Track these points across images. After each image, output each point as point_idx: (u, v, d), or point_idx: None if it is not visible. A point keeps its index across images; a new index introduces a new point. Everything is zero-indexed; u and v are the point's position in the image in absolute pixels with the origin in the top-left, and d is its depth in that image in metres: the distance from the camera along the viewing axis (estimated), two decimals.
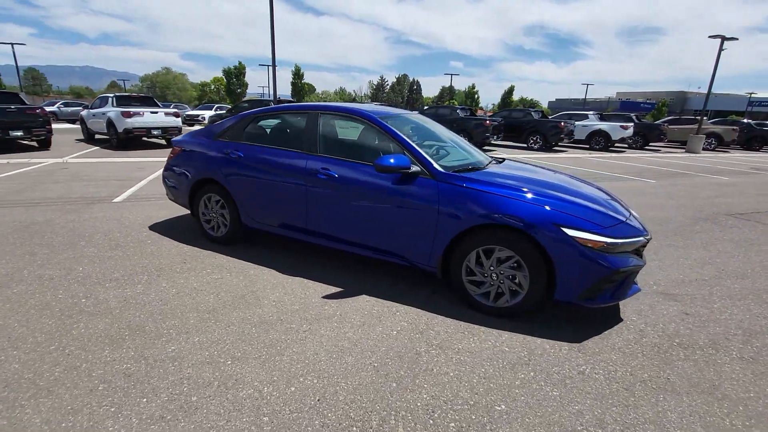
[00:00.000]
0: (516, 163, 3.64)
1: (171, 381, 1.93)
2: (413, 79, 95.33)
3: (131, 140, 11.18)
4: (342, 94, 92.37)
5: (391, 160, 2.67)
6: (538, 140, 15.35)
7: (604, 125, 16.66)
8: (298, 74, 47.55)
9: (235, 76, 45.84)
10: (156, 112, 11.17)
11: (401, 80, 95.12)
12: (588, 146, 16.93)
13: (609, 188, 6.24)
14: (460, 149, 3.55)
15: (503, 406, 1.84)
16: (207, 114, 22.12)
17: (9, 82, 43.95)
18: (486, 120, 14.31)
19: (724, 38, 16.49)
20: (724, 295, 3.15)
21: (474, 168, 3.00)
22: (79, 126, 14.22)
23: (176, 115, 11.75)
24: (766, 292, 3.22)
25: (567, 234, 2.33)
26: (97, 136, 12.63)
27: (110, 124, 10.79)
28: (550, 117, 17.55)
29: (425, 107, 22.62)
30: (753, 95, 46.04)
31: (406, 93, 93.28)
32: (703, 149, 17.90)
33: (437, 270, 2.77)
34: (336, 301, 2.79)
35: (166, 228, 4.26)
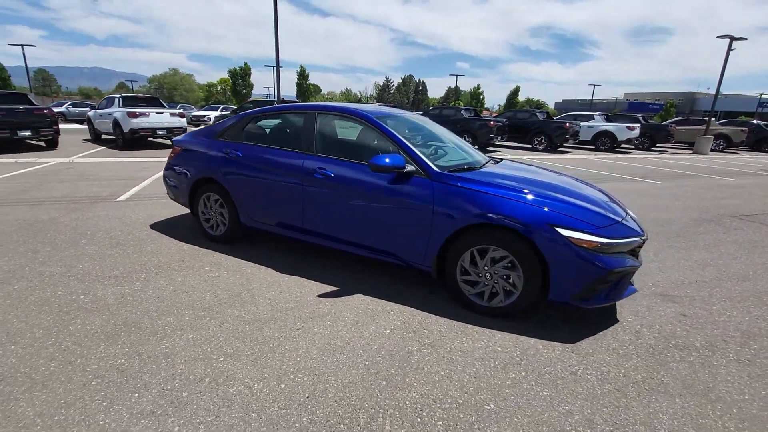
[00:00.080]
0: (514, 163, 3.62)
1: (163, 377, 1.95)
2: (419, 80, 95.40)
3: (137, 140, 11.30)
4: (348, 95, 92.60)
5: (386, 160, 2.68)
6: (543, 141, 15.26)
7: (609, 126, 16.53)
8: (303, 75, 47.78)
9: (241, 77, 46.19)
10: (161, 113, 11.29)
11: (407, 81, 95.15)
12: (594, 147, 16.80)
13: (612, 189, 6.16)
14: (458, 149, 3.55)
15: (492, 406, 1.84)
16: (213, 114, 22.28)
17: (19, 83, 44.66)
18: (490, 121, 14.26)
19: (732, 38, 16.29)
20: (724, 297, 3.11)
21: (470, 168, 3.00)
22: (86, 126, 14.39)
23: (181, 115, 11.87)
24: (767, 294, 3.18)
25: (561, 234, 2.32)
26: (103, 137, 12.78)
27: (116, 124, 10.92)
28: (555, 118, 17.45)
29: (430, 108, 22.61)
30: (763, 96, 45.41)
31: (411, 94, 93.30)
32: (711, 150, 17.68)
33: (432, 269, 2.77)
34: (331, 300, 2.80)
35: (166, 227, 4.31)
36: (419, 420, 1.74)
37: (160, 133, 11.23)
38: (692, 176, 9.92)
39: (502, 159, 3.68)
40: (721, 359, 2.29)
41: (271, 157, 3.36)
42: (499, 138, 14.64)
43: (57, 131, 10.24)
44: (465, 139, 14.94)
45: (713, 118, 18.34)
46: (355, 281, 3.11)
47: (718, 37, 16.30)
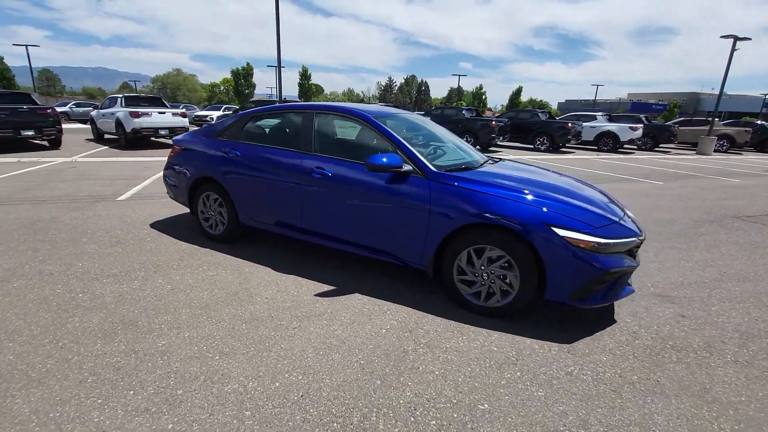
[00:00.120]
0: (512, 163, 3.62)
1: (158, 375, 1.96)
2: (421, 80, 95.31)
3: (139, 140, 11.35)
4: (350, 95, 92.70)
5: (383, 159, 2.68)
6: (545, 141, 15.22)
7: (612, 126, 16.47)
8: (305, 75, 47.87)
9: (243, 77, 46.33)
10: (163, 113, 11.34)
11: (409, 81, 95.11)
12: (596, 148, 16.74)
13: (613, 190, 6.14)
14: (456, 149, 3.54)
15: (486, 405, 1.84)
16: (215, 114, 22.35)
17: (24, 83, 44.96)
18: (492, 121, 14.24)
19: (736, 38, 16.19)
20: (724, 297, 3.09)
21: (468, 167, 3.00)
22: (89, 126, 14.46)
23: (183, 115, 11.92)
24: (767, 296, 3.16)
25: (558, 234, 2.31)
26: (106, 136, 12.85)
27: (119, 123, 10.98)
28: (557, 118, 17.40)
29: (432, 108, 22.60)
30: None
31: (414, 94, 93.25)
32: (715, 151, 17.57)
33: (429, 269, 2.77)
34: (328, 299, 2.80)
35: (166, 226, 4.32)
36: (412, 419, 1.74)
37: (162, 132, 11.28)
38: (695, 177, 9.87)
39: (501, 159, 3.68)
40: (718, 360, 2.28)
41: (269, 157, 3.37)
42: (501, 138, 14.61)
43: (60, 131, 10.30)
44: (467, 140, 14.92)
45: (717, 119, 18.22)
46: (353, 281, 3.11)
47: (721, 37, 16.20)
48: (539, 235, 2.33)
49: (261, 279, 3.09)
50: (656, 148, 18.29)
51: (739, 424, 1.80)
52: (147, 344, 2.21)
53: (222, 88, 58.42)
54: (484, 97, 56.98)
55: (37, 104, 10.15)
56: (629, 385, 2.02)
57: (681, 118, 23.88)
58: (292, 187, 3.22)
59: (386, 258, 2.95)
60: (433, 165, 2.79)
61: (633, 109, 50.17)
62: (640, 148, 17.81)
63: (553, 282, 2.37)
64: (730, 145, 18.60)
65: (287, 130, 3.60)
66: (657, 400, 1.92)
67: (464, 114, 15.32)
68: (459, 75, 47.99)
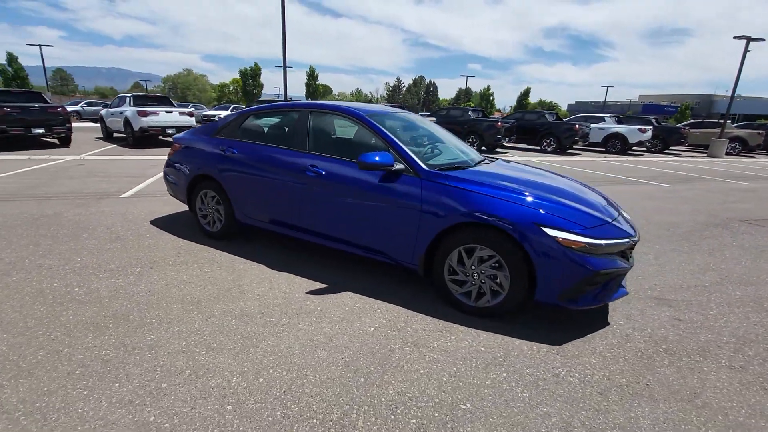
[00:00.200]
0: (508, 162, 3.59)
1: (145, 368, 1.98)
2: (430, 81, 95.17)
3: (147, 138, 11.50)
4: (358, 96, 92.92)
5: (376, 158, 2.68)
6: (552, 143, 15.09)
7: (621, 128, 16.26)
8: (312, 75, 48.07)
9: (251, 77, 46.71)
10: (171, 112, 11.48)
11: (418, 82, 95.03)
12: (604, 150, 16.54)
13: (617, 192, 6.06)
14: (452, 149, 3.53)
15: (468, 405, 1.82)
16: (223, 114, 22.56)
17: (39, 83, 45.87)
18: (498, 122, 14.15)
19: (749, 39, 15.88)
20: (723, 301, 3.03)
21: (461, 167, 2.98)
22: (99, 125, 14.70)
23: (190, 114, 12.06)
24: None
25: (547, 233, 2.29)
26: (115, 135, 13.05)
27: (127, 122, 11.14)
28: (565, 119, 17.23)
29: (438, 109, 22.56)
30: None
31: (422, 95, 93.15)
32: (727, 154, 17.26)
33: (420, 268, 2.76)
34: (319, 297, 2.81)
35: (166, 223, 4.37)
36: (392, 417, 1.73)
37: (170, 131, 11.42)
38: (703, 179, 9.70)
39: (497, 158, 3.65)
40: (712, 365, 2.23)
41: (265, 155, 3.39)
42: (507, 139, 14.50)
43: (70, 129, 10.49)
44: (472, 140, 14.83)
45: (729, 121, 17.88)
46: (347, 279, 3.11)
47: (734, 37, 15.91)
48: (529, 235, 2.31)
49: (254, 276, 3.11)
50: (666, 151, 18.01)
51: (728, 429, 1.76)
52: (137, 338, 2.23)
53: (231, 88, 58.99)
54: (492, 98, 56.63)
55: (48, 103, 10.35)
56: (617, 388, 1.99)
57: (692, 120, 23.48)
58: (286, 185, 3.24)
59: (378, 257, 2.95)
60: (426, 164, 2.78)
61: (644, 111, 49.49)
62: (649, 151, 17.56)
63: (543, 282, 2.35)
64: (742, 147, 18.23)
65: (283, 128, 3.62)
66: (644, 404, 1.88)
67: (470, 115, 15.26)
68: (467, 76, 47.81)
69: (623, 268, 2.43)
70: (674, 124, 27.27)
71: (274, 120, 3.78)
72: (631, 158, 14.57)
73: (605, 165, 11.94)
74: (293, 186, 3.20)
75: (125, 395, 1.79)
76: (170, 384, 1.88)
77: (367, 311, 2.64)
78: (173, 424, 1.65)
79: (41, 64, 33.89)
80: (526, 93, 56.70)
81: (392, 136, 2.90)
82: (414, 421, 1.72)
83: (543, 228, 2.30)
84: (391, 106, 13.17)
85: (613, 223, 2.54)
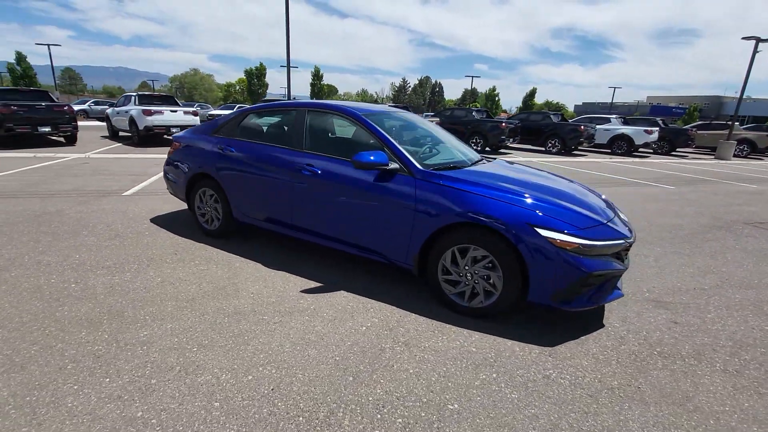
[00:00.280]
0: (505, 162, 3.57)
1: (136, 364, 1.99)
2: (435, 81, 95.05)
3: (151, 137, 11.59)
4: (364, 96, 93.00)
5: (371, 157, 2.68)
6: (557, 144, 14.99)
7: (626, 129, 16.10)
8: (317, 75, 48.20)
9: (257, 76, 46.96)
10: (175, 111, 11.57)
11: (423, 82, 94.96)
12: (610, 151, 16.40)
13: (620, 193, 6.00)
14: (449, 148, 3.51)
15: (456, 406, 1.81)
16: (227, 113, 22.70)
17: (48, 82, 46.45)
18: (502, 122, 14.09)
19: (759, 40, 15.67)
20: (722, 305, 2.99)
21: (456, 166, 2.97)
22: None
23: (195, 114, 12.14)
24: None
25: (540, 234, 2.27)
26: (120, 133, 13.17)
27: (132, 121, 11.25)
28: (570, 120, 17.12)
29: (442, 109, 22.50)
30: None
31: (428, 95, 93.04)
32: (734, 156, 17.04)
33: (414, 268, 2.76)
34: (313, 296, 2.81)
35: (166, 221, 4.41)
36: (379, 416, 1.73)
37: (174, 130, 11.49)
38: (709, 182, 9.58)
39: (495, 158, 3.64)
40: (706, 368, 2.20)
41: (261, 153, 3.41)
42: (511, 140, 14.44)
43: (75, 127, 10.61)
44: (476, 141, 14.74)
45: (737, 122, 17.64)
46: (343, 278, 3.11)
47: (743, 38, 15.70)
48: (521, 236, 2.30)
49: (250, 274, 3.12)
50: (673, 152, 17.82)
51: None
52: (129, 334, 2.25)
53: (237, 87, 59.34)
54: (497, 98, 56.42)
55: (54, 101, 10.47)
56: (608, 390, 1.97)
57: (700, 122, 23.21)
58: (283, 183, 3.25)
59: (373, 256, 2.95)
60: (421, 163, 2.78)
61: (652, 112, 49.05)
62: (655, 152, 17.39)
63: (536, 283, 2.34)
64: (750, 150, 17.98)
65: (280, 127, 3.63)
66: (635, 407, 1.86)
67: (474, 115, 15.21)
68: (473, 76, 47.52)
69: (618, 269, 2.41)
70: (682, 125, 26.98)
71: (272, 119, 3.79)
72: (637, 160, 14.44)
73: (609, 166, 11.84)
74: (289, 185, 3.21)
75: (114, 390, 1.81)
76: (160, 380, 1.89)
77: (360, 310, 2.64)
78: (160, 419, 1.66)
79: (50, 63, 34.27)
80: (531, 94, 56.42)
81: (387, 136, 2.90)
82: (400, 420, 1.71)
83: (536, 228, 2.29)
84: (396, 106, 13.18)
85: (608, 224, 2.52)
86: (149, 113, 11.01)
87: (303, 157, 3.17)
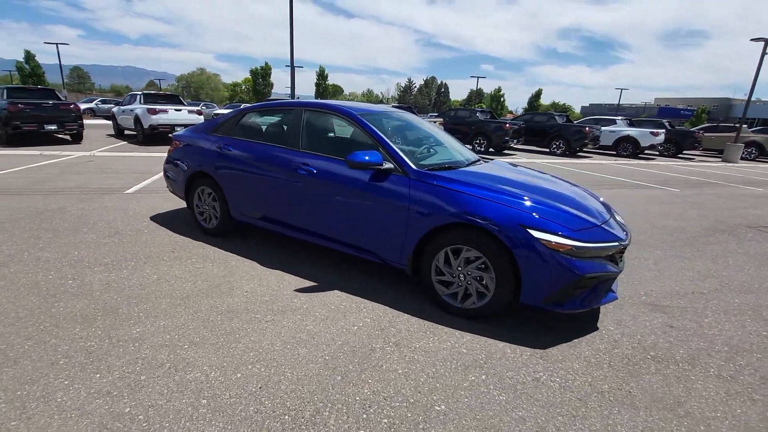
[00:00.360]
0: (502, 163, 3.56)
1: (126, 360, 2.01)
2: (441, 82, 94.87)
3: (156, 136, 11.68)
4: (369, 96, 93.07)
5: (365, 157, 2.68)
6: (561, 145, 14.89)
7: (632, 131, 15.96)
8: (322, 75, 48.33)
9: (262, 76, 47.18)
10: (180, 110, 11.66)
11: (429, 83, 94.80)
12: (615, 153, 16.27)
13: (623, 196, 5.97)
14: (446, 149, 3.51)
15: (443, 407, 1.81)
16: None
17: (56, 80, 47.00)
18: (506, 123, 14.03)
19: (767, 41, 15.45)
20: (720, 309, 2.96)
21: (452, 167, 2.96)
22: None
23: (199, 113, 12.22)
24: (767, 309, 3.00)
25: (533, 235, 2.26)
26: (126, 132, 13.29)
27: (137, 120, 11.35)
28: (575, 122, 17.00)
29: (447, 110, 22.47)
30: None
31: (433, 95, 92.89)
32: (742, 159, 16.83)
33: (407, 268, 2.75)
34: (307, 295, 2.82)
35: (165, 219, 4.44)
36: (365, 416, 1.73)
37: (178, 129, 11.58)
38: (715, 184, 9.47)
39: (493, 159, 3.62)
40: (700, 374, 2.18)
41: (258, 152, 3.42)
42: (515, 141, 14.38)
43: (81, 126, 10.73)
44: (479, 142, 14.69)
45: (745, 125, 17.42)
46: (337, 278, 3.11)
47: (751, 40, 15.50)
48: (514, 237, 2.29)
49: (245, 273, 3.14)
50: (679, 155, 17.64)
51: None
52: (122, 331, 2.27)
53: (243, 87, 59.66)
54: (503, 99, 56.22)
55: (61, 100, 10.59)
56: (598, 394, 1.96)
57: (707, 124, 22.95)
58: (278, 182, 3.26)
59: (368, 256, 2.95)
60: (416, 164, 2.78)
61: (660, 114, 48.60)
62: (661, 154, 17.22)
63: (529, 285, 2.32)
64: (758, 153, 17.76)
65: (278, 126, 3.65)
66: (624, 411, 1.85)
67: (478, 116, 15.15)
68: (478, 77, 47.30)
69: (612, 272, 2.39)
70: (689, 127, 26.70)
71: (270, 118, 3.81)
72: (642, 162, 14.32)
73: (613, 168, 11.74)
74: (285, 184, 3.22)
75: (104, 386, 1.82)
76: (149, 376, 1.90)
77: (353, 310, 2.64)
78: (147, 415, 1.67)
79: (58, 62, 34.67)
80: (537, 94, 56.16)
81: (382, 135, 2.90)
82: (386, 420, 1.71)
83: (528, 230, 2.27)
84: (399, 107, 13.16)
85: (602, 226, 2.50)
86: (154, 112, 11.10)
87: (299, 156, 3.18)
